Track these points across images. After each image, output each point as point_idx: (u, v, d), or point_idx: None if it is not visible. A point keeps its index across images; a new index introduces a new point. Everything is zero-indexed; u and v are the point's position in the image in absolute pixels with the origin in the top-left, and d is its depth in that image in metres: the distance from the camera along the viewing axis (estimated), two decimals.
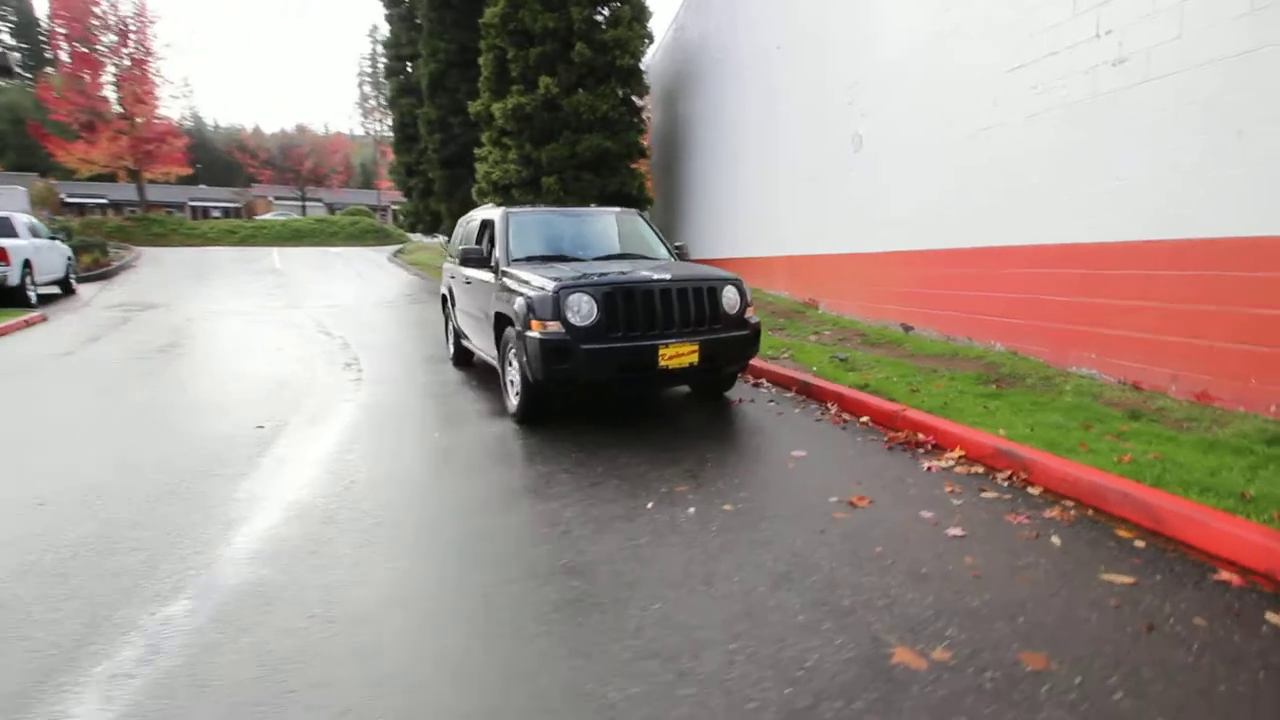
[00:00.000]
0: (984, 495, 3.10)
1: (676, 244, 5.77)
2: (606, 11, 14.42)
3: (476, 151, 15.49)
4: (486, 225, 5.89)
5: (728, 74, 12.74)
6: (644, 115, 15.14)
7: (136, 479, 3.51)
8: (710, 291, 4.45)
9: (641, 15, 14.46)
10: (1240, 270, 3.87)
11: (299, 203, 47.44)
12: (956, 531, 2.72)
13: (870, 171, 7.74)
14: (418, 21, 19.34)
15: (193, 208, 46.84)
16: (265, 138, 52.07)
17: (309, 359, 7.32)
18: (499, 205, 6.35)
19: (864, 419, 4.44)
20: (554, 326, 4.08)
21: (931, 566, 2.44)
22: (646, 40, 14.48)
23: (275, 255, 23.07)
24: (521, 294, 4.31)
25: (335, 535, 2.81)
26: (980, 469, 3.44)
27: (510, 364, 4.69)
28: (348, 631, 2.09)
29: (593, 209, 5.91)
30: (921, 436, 3.92)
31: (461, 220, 7.11)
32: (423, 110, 18.03)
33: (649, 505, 3.08)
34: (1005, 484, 3.23)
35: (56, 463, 3.86)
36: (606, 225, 5.69)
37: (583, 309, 4.09)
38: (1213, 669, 1.83)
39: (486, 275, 5.21)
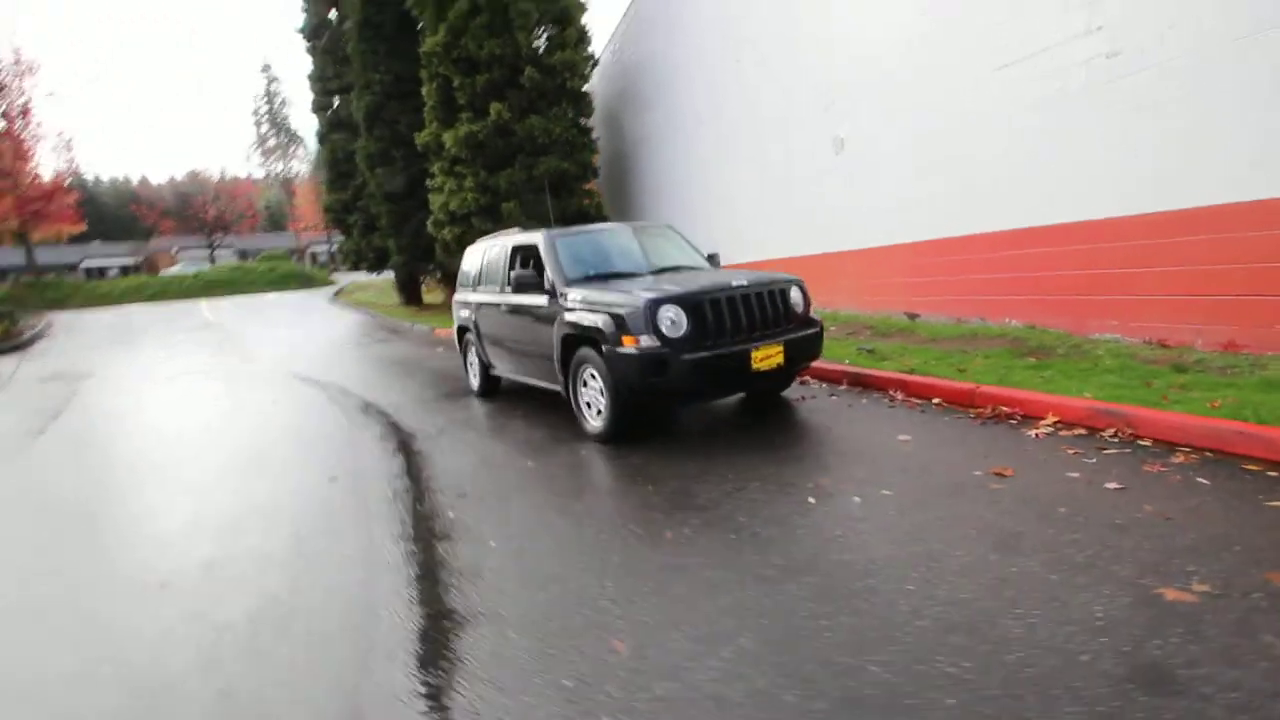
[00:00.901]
0: (1106, 453, 3.35)
1: (709, 253, 5.90)
2: (546, 36, 14.52)
3: (429, 182, 15.18)
4: (521, 251, 5.83)
5: (680, 90, 13.06)
6: (593, 136, 15.30)
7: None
8: (782, 293, 4.59)
9: (584, 38, 14.66)
10: (1249, 230, 4.37)
11: (206, 251, 44.66)
12: (1113, 485, 2.94)
13: (853, 172, 8.16)
14: (344, 55, 18.79)
15: (87, 268, 43.27)
16: (155, 188, 48.88)
17: (318, 409, 6.95)
18: (526, 229, 6.26)
19: (936, 400, 4.68)
20: (648, 340, 4.09)
21: (1122, 517, 2.63)
22: (591, 63, 14.69)
23: (204, 308, 21.71)
24: (605, 312, 4.31)
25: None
26: (1081, 431, 3.71)
27: (585, 385, 4.66)
28: None
29: (626, 224, 5.95)
30: (1006, 409, 4.19)
31: (472, 251, 6.99)
32: (360, 144, 17.48)
33: (811, 501, 3.16)
34: (1116, 440, 3.50)
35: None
36: (646, 239, 5.74)
37: (675, 320, 4.13)
38: None
39: (538, 299, 5.15)
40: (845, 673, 1.88)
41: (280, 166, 53.09)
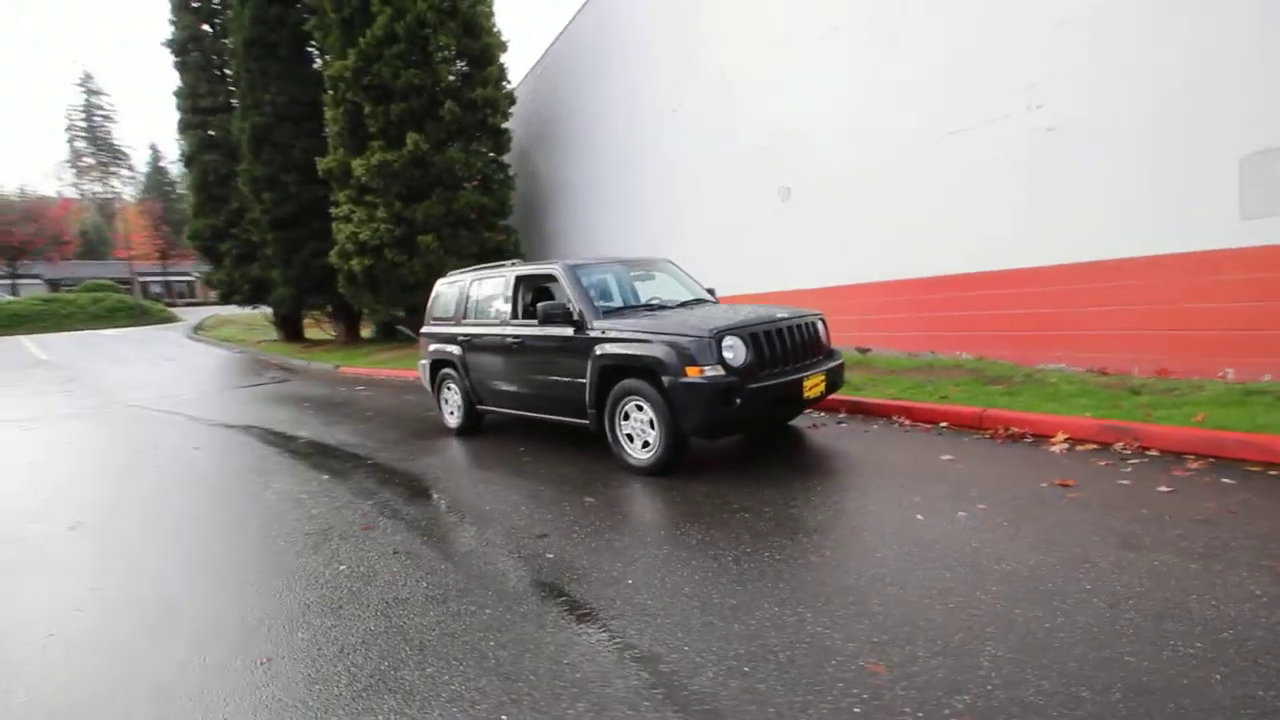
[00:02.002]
0: (1132, 463, 3.87)
1: (708, 288, 6.08)
2: (464, 70, 14.32)
3: (334, 211, 14.18)
4: (528, 282, 5.67)
5: (609, 135, 13.35)
6: (511, 173, 15.17)
7: None
8: (813, 325, 4.84)
9: (504, 76, 14.64)
10: (1173, 277, 5.32)
11: (5, 281, 37.89)
12: (1165, 489, 3.41)
13: (800, 219, 8.81)
14: (221, 73, 17.21)
15: None
16: None
17: (264, 456, 6.18)
18: (514, 262, 6.06)
19: (944, 424, 5.13)
20: (713, 370, 4.14)
21: (1197, 514, 3.06)
22: (511, 101, 14.67)
23: (28, 344, 18.28)
24: (662, 342, 4.30)
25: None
26: (1094, 445, 4.25)
27: (627, 417, 4.58)
28: None
29: (636, 258, 5.97)
30: (1018, 430, 4.69)
31: (449, 284, 6.65)
32: (244, 167, 15.94)
33: (920, 518, 3.33)
34: (1128, 452, 4.06)
35: None
36: (660, 273, 5.81)
37: (737, 351, 4.22)
38: None
39: (561, 331, 5.01)
40: (1109, 664, 2.03)
41: (99, 187, 46.78)
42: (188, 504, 4.75)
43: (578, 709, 2.03)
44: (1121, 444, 4.17)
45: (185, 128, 18.42)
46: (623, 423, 4.63)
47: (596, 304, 4.97)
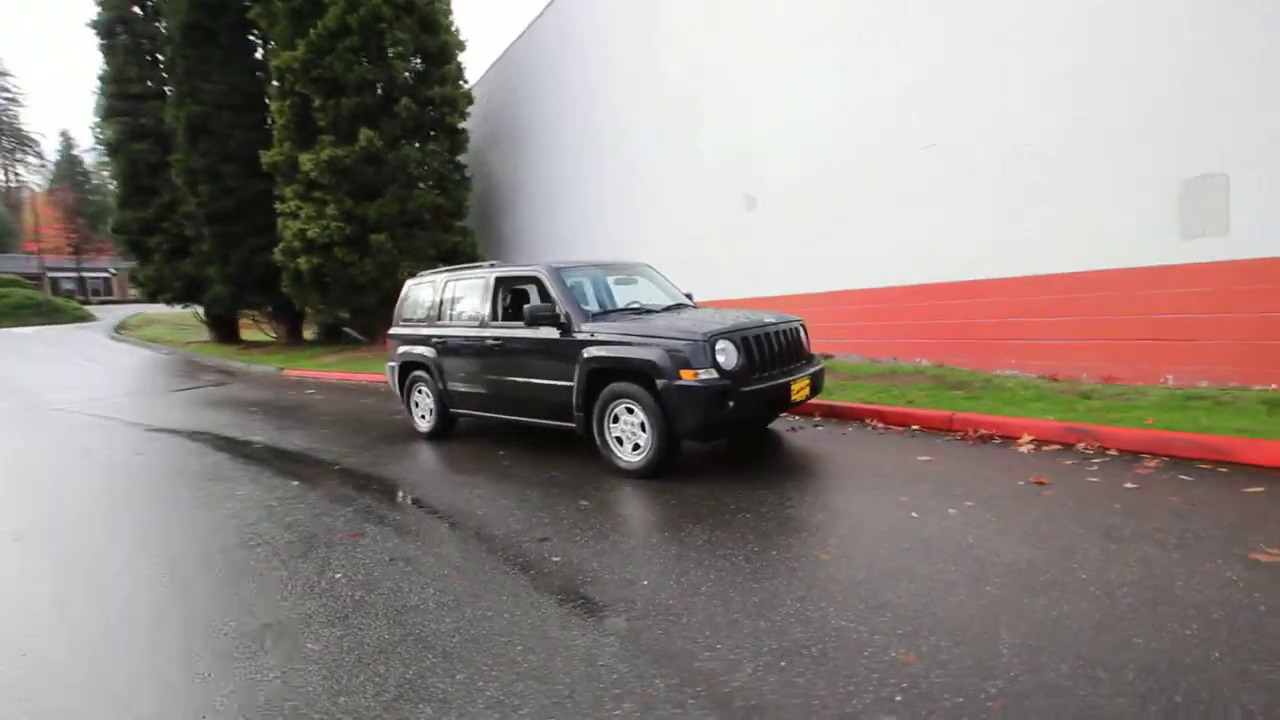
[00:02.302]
0: (1096, 462, 4.14)
1: (686, 292, 6.15)
2: (420, 67, 14.02)
3: (280, 206, 13.59)
4: (508, 283, 5.60)
5: (568, 139, 13.31)
6: (467, 174, 14.91)
7: None
8: (796, 330, 4.97)
9: (461, 75, 14.41)
10: (1124, 290, 5.73)
11: None
12: (1131, 485, 3.67)
13: (766, 228, 9.03)
14: (153, 57, 16.21)
15: None
16: None
17: (218, 463, 5.88)
18: (492, 263, 5.96)
19: (915, 427, 5.35)
20: (707, 374, 4.19)
21: (1165, 508, 3.30)
22: (469, 101, 14.44)
23: None
24: (656, 345, 4.32)
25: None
26: (1057, 446, 4.52)
27: (616, 420, 4.58)
28: None
29: (615, 261, 5.97)
30: (986, 432, 4.94)
31: (421, 284, 6.48)
32: (179, 158, 15.05)
33: (915, 515, 3.46)
34: (1090, 452, 4.33)
35: None
36: (640, 277, 5.83)
37: (730, 355, 4.28)
38: None
39: (546, 333, 4.97)
40: (1117, 647, 2.17)
41: (2, 175, 43.24)
42: (141, 513, 4.44)
43: (624, 709, 2.02)
44: (1083, 444, 4.46)
45: (110, 114, 17.23)
46: (612, 425, 4.62)
47: (587, 309, 4.95)
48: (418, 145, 13.63)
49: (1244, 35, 4.88)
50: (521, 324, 5.38)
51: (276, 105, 13.54)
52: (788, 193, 8.65)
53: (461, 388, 5.81)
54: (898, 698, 2.00)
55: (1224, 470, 3.81)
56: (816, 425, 5.75)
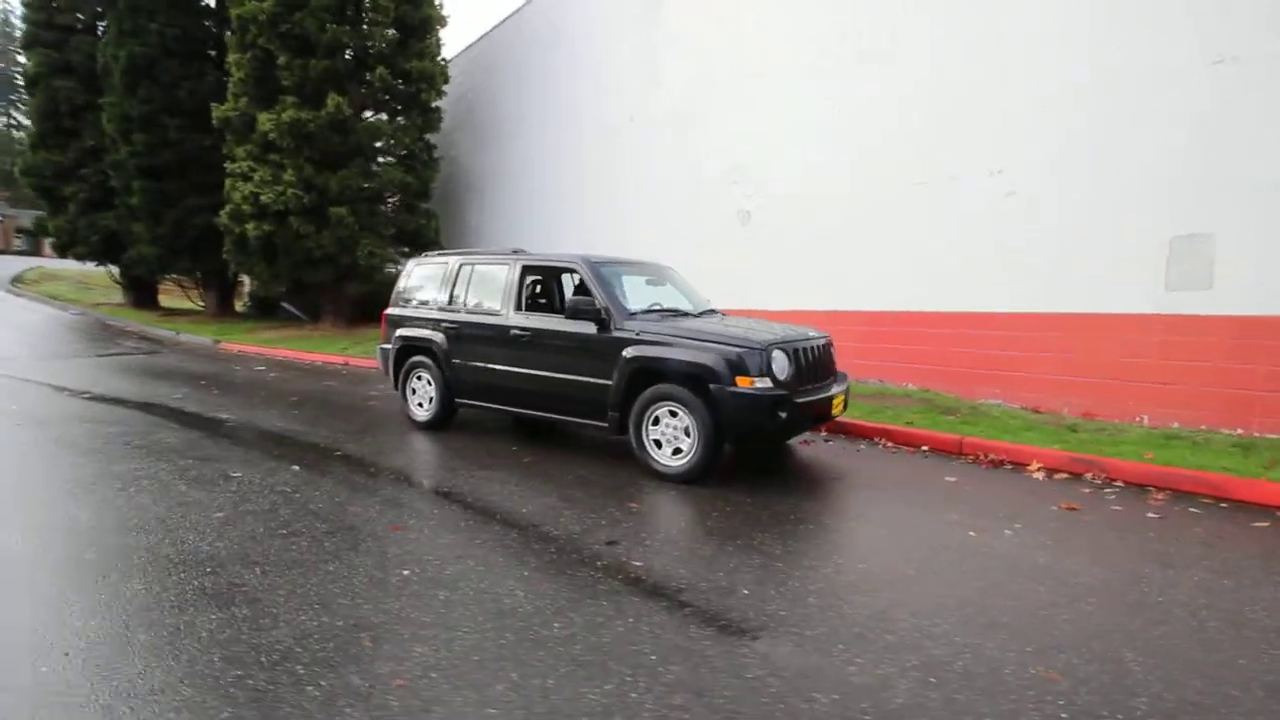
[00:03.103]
0: (1110, 493, 4.43)
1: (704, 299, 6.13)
2: (396, 38, 13.38)
3: (230, 166, 12.57)
4: (536, 274, 5.44)
5: (549, 136, 13.03)
6: (436, 155, 14.33)
7: None
8: (829, 346, 5.05)
9: (440, 51, 13.86)
10: (1104, 334, 6.18)
11: None
12: (1154, 515, 3.94)
13: (758, 243, 9.16)
14: None
15: None
16: None
17: (204, 446, 5.37)
18: (515, 250, 5.73)
19: (925, 448, 5.55)
20: (763, 382, 4.18)
21: (1192, 537, 3.56)
22: (446, 79, 13.90)
23: None
24: (712, 349, 4.27)
25: None
26: (1065, 475, 4.81)
27: (656, 423, 4.49)
28: None
29: (644, 261, 5.85)
30: (996, 457, 5.18)
31: (427, 265, 6.16)
32: (112, 101, 13.62)
33: (972, 534, 3.57)
34: (1099, 483, 4.63)
35: None
36: (668, 279, 5.75)
37: (783, 365, 4.29)
38: None
39: (583, 328, 4.82)
40: (1230, 666, 2.31)
41: None
42: (129, 495, 3.95)
43: None
44: (1090, 474, 4.76)
45: (31, 43, 15.38)
46: (650, 427, 4.53)
47: (629, 307, 4.83)
48: (388, 119, 12.97)
49: (1248, 99, 5.40)
50: (552, 315, 5.23)
51: (235, 57, 12.55)
52: (784, 209, 8.82)
53: (474, 378, 5.54)
54: (1063, 715, 2.04)
55: (1224, 505, 4.16)
56: (827, 440, 5.86)
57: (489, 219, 15.06)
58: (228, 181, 12.60)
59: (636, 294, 5.36)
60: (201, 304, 15.95)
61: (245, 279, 15.75)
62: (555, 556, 3.17)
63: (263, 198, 12.00)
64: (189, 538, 3.24)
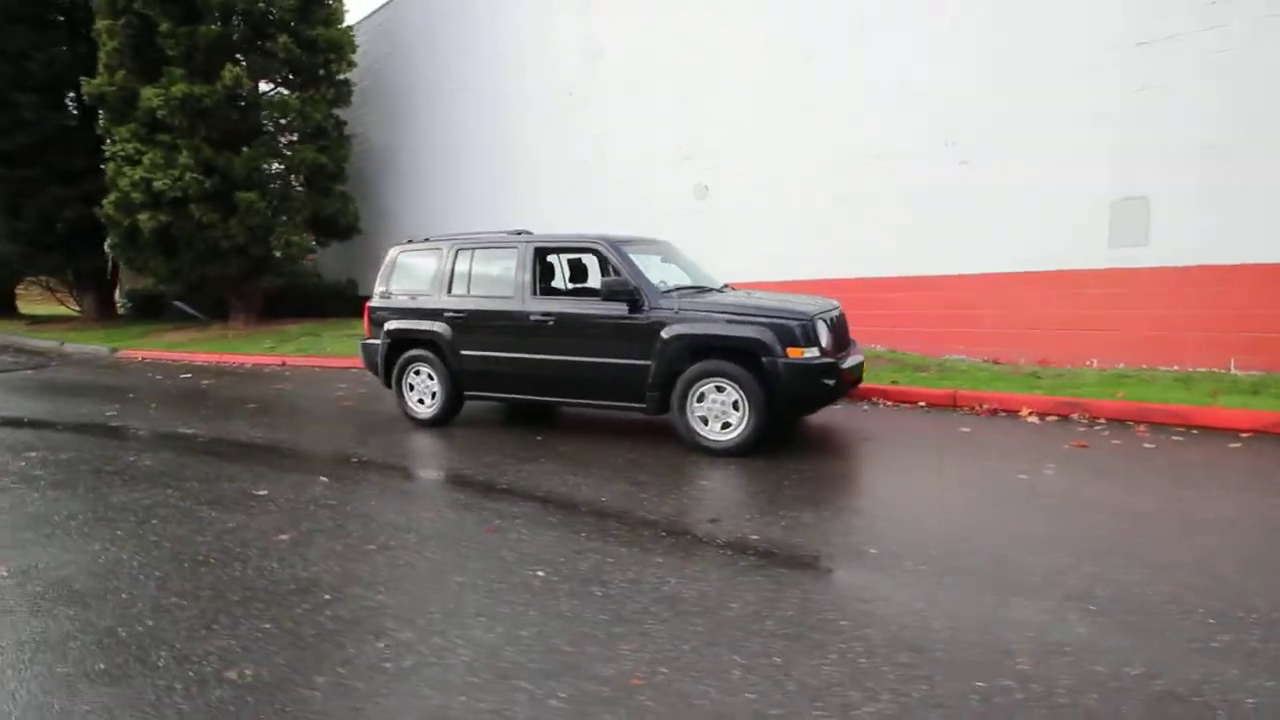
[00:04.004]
0: (1101, 430, 4.96)
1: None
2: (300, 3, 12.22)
3: (111, 148, 11.06)
4: (547, 255, 5.25)
5: (471, 112, 12.44)
6: (348, 133, 13.28)
7: None
8: (845, 316, 5.27)
9: (342, 18, 12.79)
10: (1062, 288, 6.84)
11: None
12: (1150, 445, 4.47)
13: (717, 219, 9.28)
14: None
15: None
16: None
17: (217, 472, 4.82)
18: (520, 231, 5.48)
19: (922, 404, 5.94)
20: (812, 352, 4.31)
21: (1198, 463, 4.10)
22: (354, 48, 12.87)
23: None
24: (762, 323, 4.33)
25: None
26: (1055, 418, 5.34)
27: (700, 400, 4.51)
28: None
29: (651, 239, 5.76)
30: (990, 406, 5.65)
31: (416, 253, 5.82)
32: None
33: (1023, 477, 3.90)
34: (1084, 420, 5.18)
35: None
36: (676, 256, 5.70)
37: (825, 334, 4.44)
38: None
39: (612, 309, 4.74)
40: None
41: None
42: (146, 529, 3.47)
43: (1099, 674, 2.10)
44: (1076, 415, 5.32)
45: None
46: (696, 405, 4.55)
47: (658, 286, 4.78)
48: (294, 94, 11.83)
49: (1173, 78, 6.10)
50: (573, 298, 5.12)
51: (105, 24, 10.93)
52: (742, 183, 8.98)
53: (485, 368, 5.29)
54: (1210, 621, 2.30)
55: (1195, 432, 4.79)
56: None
57: (409, 201, 14.22)
58: (110, 166, 11.06)
59: (654, 272, 5.32)
60: (78, 308, 13.98)
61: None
62: (672, 541, 3.15)
63: (156, 183, 10.64)
64: (270, 565, 2.92)
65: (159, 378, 8.56)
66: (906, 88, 7.57)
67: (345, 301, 15.75)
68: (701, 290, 5.09)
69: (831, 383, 4.35)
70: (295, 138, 12.49)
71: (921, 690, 1.96)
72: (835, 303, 5.04)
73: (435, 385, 5.55)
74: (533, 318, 5.04)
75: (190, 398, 7.19)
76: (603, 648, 2.22)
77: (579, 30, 10.64)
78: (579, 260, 5.93)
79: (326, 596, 2.63)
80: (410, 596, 2.63)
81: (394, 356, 5.71)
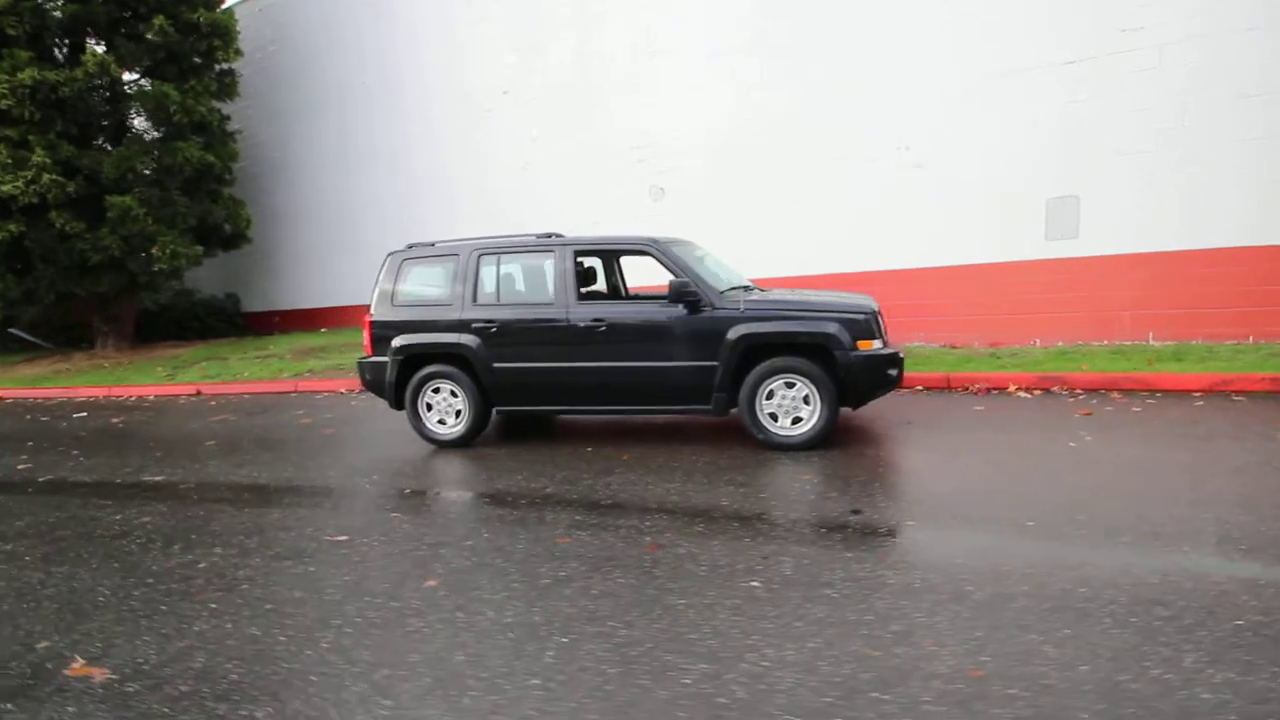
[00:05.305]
0: (1083, 399, 5.65)
1: None
2: None
3: None
4: (588, 258, 5.04)
5: (374, 110, 11.59)
6: (232, 129, 11.80)
7: None
8: None
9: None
10: (1004, 279, 7.66)
11: None
12: (1137, 409, 5.16)
13: (671, 219, 9.36)
14: None
15: None
16: None
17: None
18: (549, 233, 5.17)
19: (920, 387, 6.40)
20: (878, 344, 4.52)
21: (1178, 416, 4.79)
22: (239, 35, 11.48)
23: None
24: (833, 319, 4.46)
25: None
26: (1039, 391, 5.99)
27: (770, 397, 4.57)
28: None
29: (684, 240, 5.63)
30: (982, 385, 6.22)
31: (428, 258, 5.37)
32: None
33: (1072, 445, 4.35)
34: (1064, 392, 5.87)
35: None
36: (711, 256, 5.62)
37: (880, 328, 4.66)
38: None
39: (671, 312, 4.66)
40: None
41: None
42: (253, 603, 2.89)
43: None
44: (1056, 387, 6.01)
45: None
46: (764, 402, 4.59)
47: (716, 285, 4.76)
48: (176, 83, 10.28)
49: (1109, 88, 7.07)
50: (620, 302, 4.98)
51: None
52: (697, 185, 9.15)
53: (523, 380, 4.96)
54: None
55: (1159, 395, 5.61)
56: None
57: (306, 206, 12.99)
58: None
59: (707, 270, 5.23)
60: None
61: None
62: (841, 536, 3.16)
63: (4, 187, 8.79)
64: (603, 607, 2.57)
65: (48, 419, 7.11)
66: (858, 94, 8.13)
67: (228, 320, 14.04)
68: (748, 289, 5.14)
69: (894, 372, 4.59)
70: (161, 133, 10.84)
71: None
72: (873, 298, 5.30)
73: (460, 403, 5.12)
74: (581, 324, 4.81)
75: (117, 440, 6.05)
76: (909, 646, 2.21)
77: (512, 27, 10.26)
78: (620, 264, 5.73)
79: (547, 633, 2.36)
80: (652, 629, 2.43)
81: (407, 374, 5.19)
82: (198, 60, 10.68)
